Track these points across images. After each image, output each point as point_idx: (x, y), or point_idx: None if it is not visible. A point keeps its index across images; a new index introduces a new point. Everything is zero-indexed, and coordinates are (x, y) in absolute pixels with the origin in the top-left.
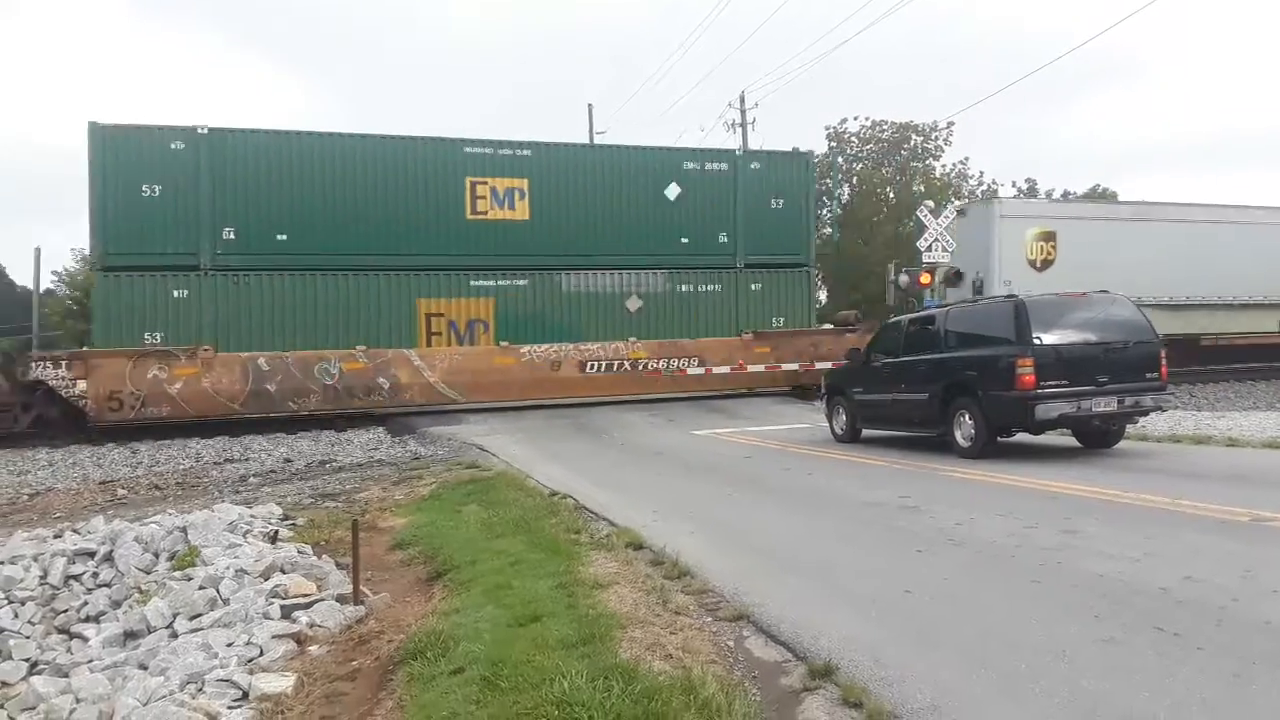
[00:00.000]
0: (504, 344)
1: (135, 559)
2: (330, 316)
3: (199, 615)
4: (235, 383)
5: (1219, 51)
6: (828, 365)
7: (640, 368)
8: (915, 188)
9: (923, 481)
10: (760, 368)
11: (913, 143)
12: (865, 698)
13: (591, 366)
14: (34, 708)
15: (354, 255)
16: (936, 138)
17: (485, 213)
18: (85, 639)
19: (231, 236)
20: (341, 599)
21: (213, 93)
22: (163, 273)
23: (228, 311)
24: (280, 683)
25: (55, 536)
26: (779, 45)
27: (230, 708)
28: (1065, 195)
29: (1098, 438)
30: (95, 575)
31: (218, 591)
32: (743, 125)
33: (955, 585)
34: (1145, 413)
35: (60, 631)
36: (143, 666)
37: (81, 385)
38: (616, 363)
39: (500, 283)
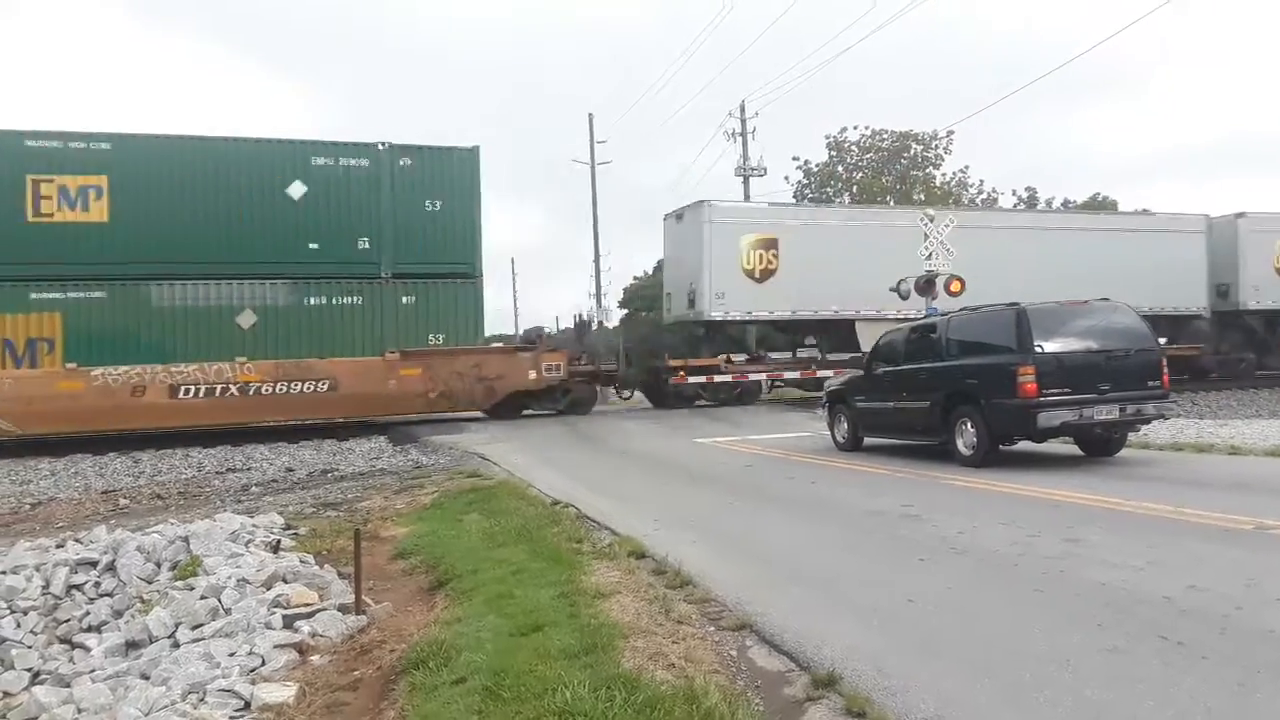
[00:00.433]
0: (71, 366)
1: (137, 568)
2: None
3: (201, 625)
4: None
5: (1222, 57)
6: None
7: (252, 392)
8: (915, 196)
9: (925, 490)
10: (413, 389)
11: (913, 151)
12: (869, 708)
13: (186, 391)
14: (36, 718)
15: None
16: (937, 146)
17: (51, 214)
18: (87, 649)
19: None
20: (343, 608)
21: (211, 99)
22: None
23: None
24: (282, 692)
25: (57, 546)
26: (779, 54)
27: (232, 718)
28: (1065, 204)
29: (1100, 446)
30: (97, 585)
31: (220, 601)
32: (743, 134)
33: (958, 594)
34: (1147, 421)
35: (62, 641)
36: (145, 676)
37: None
38: (220, 387)
39: (70, 295)
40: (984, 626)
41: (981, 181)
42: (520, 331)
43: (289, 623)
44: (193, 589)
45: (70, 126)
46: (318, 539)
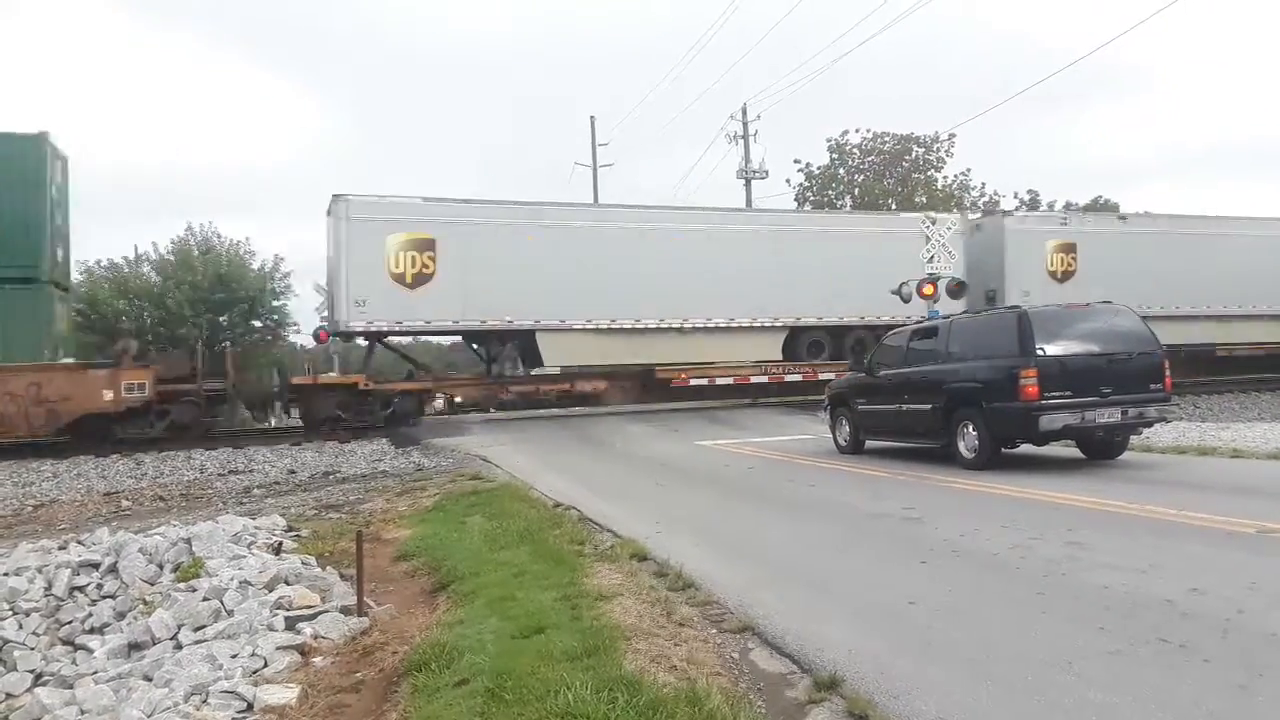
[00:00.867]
0: None
1: (140, 570)
2: None
3: (203, 627)
4: None
5: (1225, 60)
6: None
7: None
8: (917, 199)
9: (926, 493)
10: None
11: (914, 154)
12: (871, 710)
13: None
14: (39, 719)
15: None
16: (938, 149)
17: None
18: (90, 650)
19: None
20: (345, 610)
21: (210, 101)
22: None
23: None
24: (284, 694)
25: (60, 548)
26: (781, 58)
27: (234, 719)
28: (1067, 206)
29: (1102, 449)
30: (100, 586)
31: (222, 603)
32: (745, 138)
33: (960, 597)
34: (1149, 424)
35: (65, 643)
36: (147, 678)
37: None
38: None
39: None
40: (986, 629)
41: (984, 184)
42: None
43: (291, 624)
44: (195, 591)
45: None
46: (320, 541)
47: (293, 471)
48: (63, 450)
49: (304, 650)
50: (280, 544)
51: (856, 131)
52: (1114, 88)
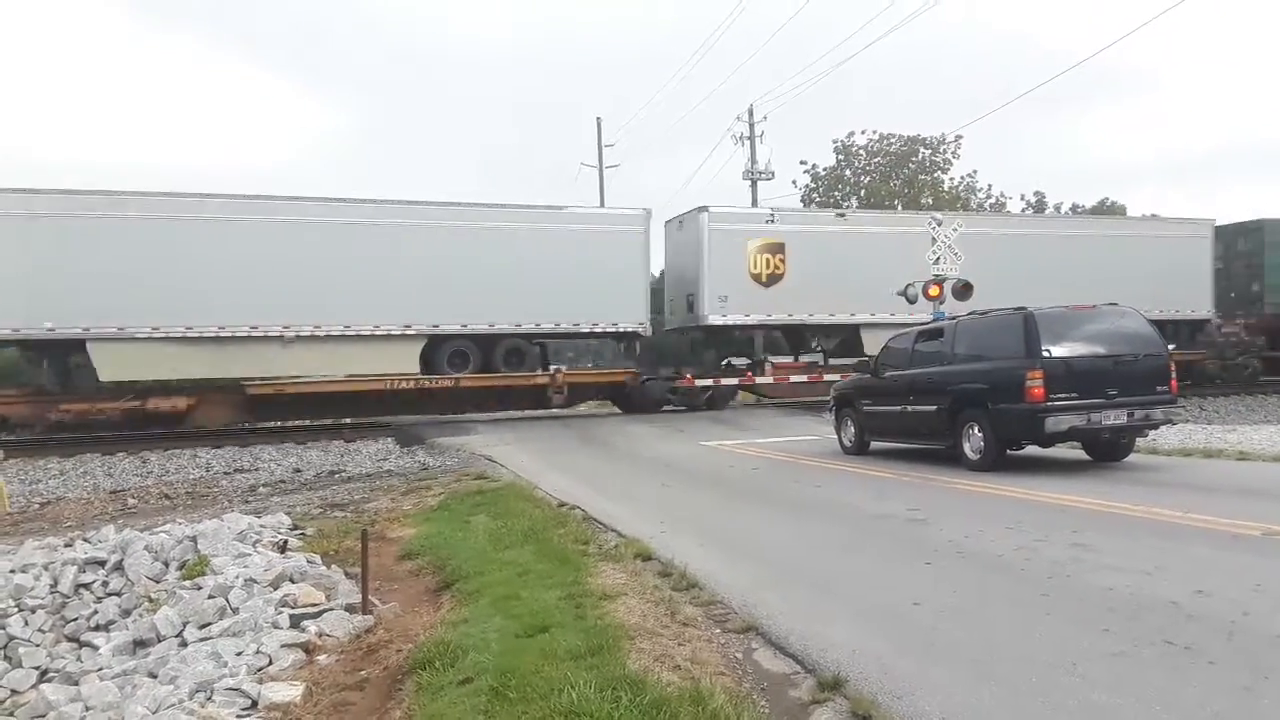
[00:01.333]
0: None
1: (145, 568)
2: None
3: (208, 624)
4: None
5: (1229, 63)
6: None
7: None
8: (924, 200)
9: (931, 494)
10: None
11: (921, 156)
12: (874, 710)
13: None
14: (44, 715)
15: None
16: (945, 151)
17: None
18: (95, 647)
19: None
20: (350, 608)
21: (211, 102)
22: None
23: None
24: (289, 692)
25: (66, 545)
26: (788, 59)
27: (239, 716)
28: (1074, 208)
29: (1107, 450)
30: (105, 584)
31: (227, 600)
32: (751, 139)
33: (964, 598)
34: (1155, 426)
35: (70, 640)
36: (152, 675)
37: None
38: None
39: None
40: (990, 630)
41: (990, 185)
42: None
43: (296, 622)
44: (200, 588)
45: None
46: (325, 539)
47: (298, 470)
48: (69, 448)
49: (309, 648)
50: (285, 542)
51: (863, 133)
52: (1117, 90)
